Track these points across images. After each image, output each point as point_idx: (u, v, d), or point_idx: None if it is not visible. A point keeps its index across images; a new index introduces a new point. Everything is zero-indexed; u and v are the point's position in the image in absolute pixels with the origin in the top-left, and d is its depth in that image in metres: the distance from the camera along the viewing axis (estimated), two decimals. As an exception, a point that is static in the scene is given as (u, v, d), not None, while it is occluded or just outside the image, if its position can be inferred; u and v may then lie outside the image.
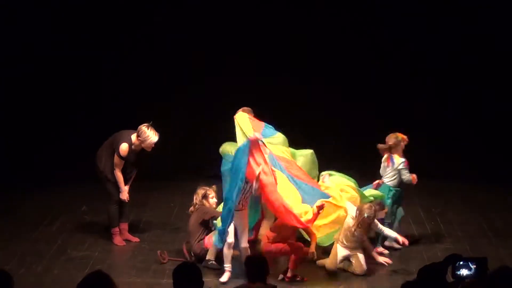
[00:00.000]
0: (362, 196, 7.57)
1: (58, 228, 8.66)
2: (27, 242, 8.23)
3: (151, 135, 7.85)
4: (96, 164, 8.10)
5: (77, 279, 4.27)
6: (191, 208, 7.84)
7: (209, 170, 9.00)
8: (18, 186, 10.04)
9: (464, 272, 3.97)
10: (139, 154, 8.09)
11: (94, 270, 4.35)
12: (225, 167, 7.79)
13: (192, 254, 7.67)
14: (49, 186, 9.98)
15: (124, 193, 8.07)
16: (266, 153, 7.28)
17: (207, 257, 7.67)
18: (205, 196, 7.83)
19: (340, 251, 7.29)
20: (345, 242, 7.29)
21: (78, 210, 9.28)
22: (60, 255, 7.87)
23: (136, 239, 8.27)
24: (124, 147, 7.92)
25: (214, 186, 7.92)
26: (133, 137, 7.95)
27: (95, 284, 4.14)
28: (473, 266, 3.93)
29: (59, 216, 9.03)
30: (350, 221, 7.25)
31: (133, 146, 7.97)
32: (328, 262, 7.33)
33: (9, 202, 9.63)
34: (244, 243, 7.24)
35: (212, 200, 7.84)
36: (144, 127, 7.86)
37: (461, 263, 3.94)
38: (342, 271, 7.38)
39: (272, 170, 7.20)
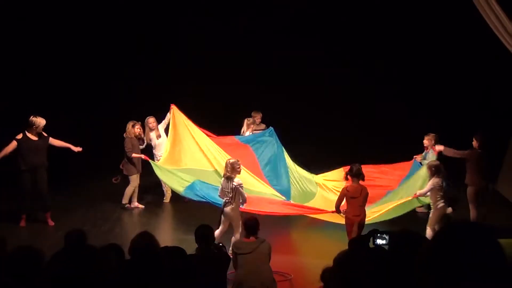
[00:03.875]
0: None
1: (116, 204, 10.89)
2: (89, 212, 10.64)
3: (40, 120, 9.39)
4: None
5: (131, 236, 5.21)
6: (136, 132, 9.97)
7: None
8: (86, 173, 12.42)
9: (379, 241, 4.54)
10: (39, 148, 9.39)
11: (142, 231, 5.20)
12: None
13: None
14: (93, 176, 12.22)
15: None
16: None
17: (123, 201, 9.91)
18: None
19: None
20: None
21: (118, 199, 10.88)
22: (120, 220, 10.31)
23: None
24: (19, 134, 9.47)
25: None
26: (27, 131, 9.42)
27: (142, 240, 4.89)
28: (386, 237, 4.50)
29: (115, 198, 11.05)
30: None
31: (28, 134, 9.35)
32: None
33: (79, 186, 12.03)
34: (237, 235, 7.99)
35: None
36: (33, 117, 9.36)
37: (378, 235, 4.54)
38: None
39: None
